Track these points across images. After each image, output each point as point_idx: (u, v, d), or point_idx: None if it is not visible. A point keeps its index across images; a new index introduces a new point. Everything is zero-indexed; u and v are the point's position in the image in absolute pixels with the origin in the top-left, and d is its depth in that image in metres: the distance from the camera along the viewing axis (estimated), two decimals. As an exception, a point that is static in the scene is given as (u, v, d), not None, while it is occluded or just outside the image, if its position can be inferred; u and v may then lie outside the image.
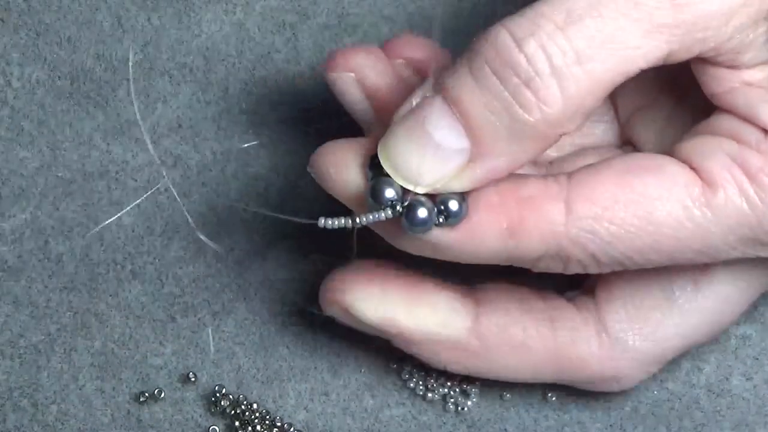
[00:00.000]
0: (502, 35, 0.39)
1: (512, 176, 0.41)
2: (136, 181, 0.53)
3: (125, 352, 0.51)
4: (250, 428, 0.50)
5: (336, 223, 0.41)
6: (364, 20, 0.53)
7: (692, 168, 0.41)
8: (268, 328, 0.52)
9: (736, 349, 0.51)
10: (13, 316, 0.52)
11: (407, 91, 0.43)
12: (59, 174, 0.53)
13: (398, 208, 0.40)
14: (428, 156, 0.40)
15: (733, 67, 0.41)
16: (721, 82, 0.42)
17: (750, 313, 0.51)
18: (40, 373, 0.51)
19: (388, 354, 0.51)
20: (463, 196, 0.41)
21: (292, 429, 0.50)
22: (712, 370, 0.50)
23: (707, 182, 0.41)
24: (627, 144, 0.48)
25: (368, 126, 0.47)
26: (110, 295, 0.52)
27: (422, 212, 0.40)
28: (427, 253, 0.42)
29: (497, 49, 0.39)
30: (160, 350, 0.51)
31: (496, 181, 0.41)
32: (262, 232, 0.52)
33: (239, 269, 0.52)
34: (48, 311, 0.52)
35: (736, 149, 0.41)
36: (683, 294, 0.46)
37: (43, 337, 0.51)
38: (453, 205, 0.40)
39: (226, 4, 0.54)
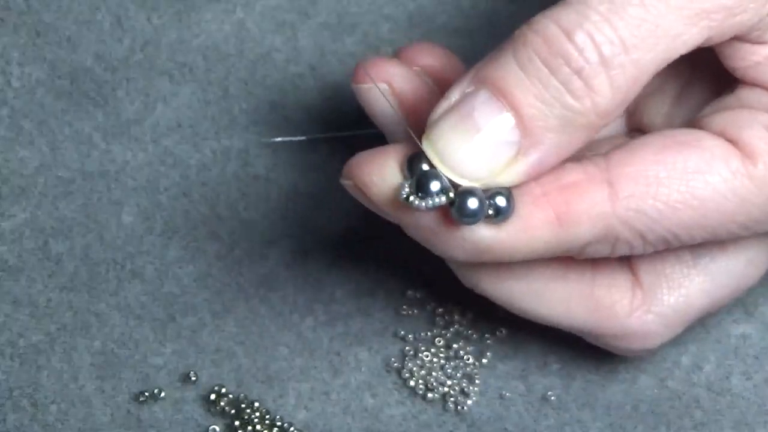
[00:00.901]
0: (550, 26, 0.39)
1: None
2: (135, 180, 0.53)
3: (125, 352, 0.51)
4: (249, 428, 0.50)
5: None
6: (364, 19, 0.53)
7: (728, 140, 0.41)
8: (268, 328, 0.52)
9: (736, 348, 0.51)
10: (12, 316, 0.52)
11: (434, 96, 0.43)
12: (59, 174, 0.53)
13: (450, 194, 0.39)
14: (478, 148, 0.39)
15: (759, 42, 0.41)
16: (745, 57, 0.42)
17: (750, 313, 0.51)
18: (40, 372, 0.51)
19: (388, 354, 0.51)
20: (509, 192, 0.40)
21: (292, 429, 0.50)
22: (713, 369, 0.50)
23: (746, 154, 0.41)
24: (635, 131, 0.48)
25: (395, 136, 0.47)
26: (110, 295, 0.52)
27: (473, 202, 0.39)
28: (474, 258, 0.42)
29: (546, 40, 0.39)
30: (160, 350, 0.51)
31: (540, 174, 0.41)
32: (262, 232, 0.52)
33: (239, 269, 0.52)
34: (48, 311, 0.52)
35: None
36: (711, 254, 0.46)
37: (43, 337, 0.51)
38: (501, 201, 0.40)
39: (226, 4, 0.54)
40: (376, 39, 0.53)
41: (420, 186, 0.39)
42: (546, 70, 0.39)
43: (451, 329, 0.51)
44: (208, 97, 0.53)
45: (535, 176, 0.40)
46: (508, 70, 0.39)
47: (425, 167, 0.40)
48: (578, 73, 0.39)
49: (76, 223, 0.52)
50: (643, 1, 0.39)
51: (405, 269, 0.52)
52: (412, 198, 0.39)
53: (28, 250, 0.52)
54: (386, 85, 0.46)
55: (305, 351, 0.51)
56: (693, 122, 0.43)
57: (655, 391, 0.50)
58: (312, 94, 0.53)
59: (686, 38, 0.39)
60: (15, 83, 0.53)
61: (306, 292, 0.52)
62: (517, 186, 0.40)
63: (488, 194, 0.40)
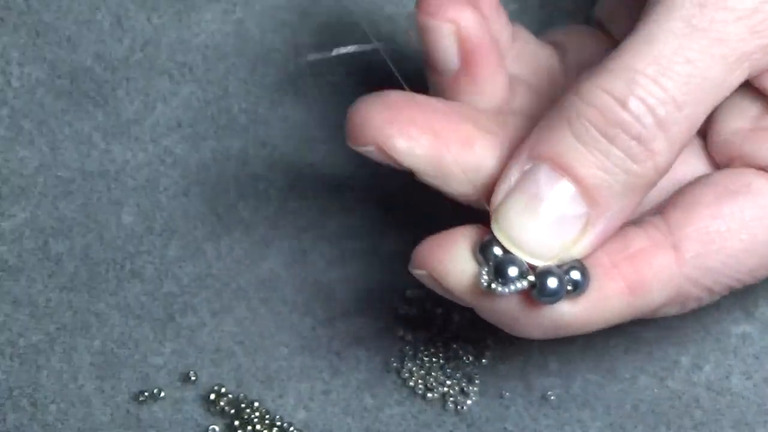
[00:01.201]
0: (603, 96, 0.39)
1: (615, 235, 0.42)
2: (135, 180, 0.53)
3: (125, 352, 0.51)
4: (249, 428, 0.50)
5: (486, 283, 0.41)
6: (364, 19, 0.53)
7: None
8: (268, 328, 0.52)
9: (736, 347, 0.51)
10: (12, 316, 0.52)
11: (494, 47, 0.43)
12: (59, 173, 0.53)
13: (531, 278, 0.40)
14: (548, 227, 0.40)
15: None
16: None
17: (750, 313, 0.51)
18: (39, 372, 0.51)
19: (388, 354, 0.51)
20: (582, 265, 0.41)
21: (291, 428, 0.50)
22: (712, 369, 0.50)
23: None
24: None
25: (438, 84, 0.46)
26: (110, 295, 0.52)
27: (552, 282, 0.40)
28: (551, 334, 0.42)
29: (600, 111, 0.39)
30: (160, 350, 0.51)
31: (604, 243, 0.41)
32: (262, 232, 0.52)
33: (239, 269, 0.52)
34: (48, 311, 0.52)
35: None
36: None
37: (42, 337, 0.51)
38: (576, 274, 0.40)
39: (226, 4, 0.54)
40: (376, 39, 0.53)
41: (499, 272, 0.40)
42: (605, 141, 0.39)
43: (451, 329, 0.51)
44: (208, 97, 0.53)
45: (604, 243, 0.41)
46: (565, 143, 0.40)
47: (499, 251, 0.40)
48: (637, 139, 0.39)
49: (76, 223, 0.52)
50: (687, 56, 0.39)
51: (405, 269, 0.52)
52: (494, 285, 0.40)
53: (28, 250, 0.52)
54: (452, 25, 0.45)
55: (305, 351, 0.51)
56: (732, 149, 0.44)
57: (655, 390, 0.50)
58: (312, 94, 0.53)
59: (731, 82, 0.40)
60: (15, 83, 0.53)
61: (305, 292, 0.52)
62: (587, 258, 0.41)
63: (563, 269, 0.40)
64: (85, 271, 0.52)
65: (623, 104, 0.39)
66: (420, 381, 0.51)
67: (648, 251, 0.42)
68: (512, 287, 0.40)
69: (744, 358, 0.51)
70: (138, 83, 0.53)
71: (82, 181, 0.53)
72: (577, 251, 0.41)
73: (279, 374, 0.51)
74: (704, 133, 0.45)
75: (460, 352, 0.51)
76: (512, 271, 0.40)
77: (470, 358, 0.51)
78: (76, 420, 0.51)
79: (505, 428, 0.50)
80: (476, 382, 0.50)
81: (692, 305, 0.43)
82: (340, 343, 0.51)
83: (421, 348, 0.51)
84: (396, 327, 0.51)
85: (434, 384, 0.51)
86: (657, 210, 0.44)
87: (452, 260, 0.41)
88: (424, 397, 0.51)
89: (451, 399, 0.50)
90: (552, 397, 0.50)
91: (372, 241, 0.52)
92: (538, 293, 0.40)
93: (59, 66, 0.53)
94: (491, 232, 0.41)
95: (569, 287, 0.40)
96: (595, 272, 0.41)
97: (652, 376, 0.50)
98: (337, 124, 0.53)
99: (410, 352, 0.51)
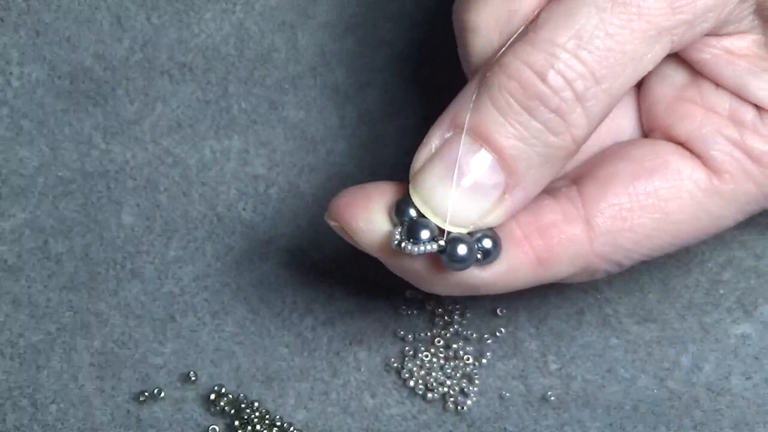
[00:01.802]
0: (521, 68, 0.40)
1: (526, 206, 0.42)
2: (135, 180, 0.53)
3: (125, 352, 0.51)
4: (249, 428, 0.50)
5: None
6: (364, 19, 0.53)
7: (694, 153, 0.43)
8: (268, 328, 0.52)
9: (735, 348, 0.51)
10: (12, 316, 0.52)
11: None
12: (59, 173, 0.53)
13: (441, 242, 0.41)
14: (466, 195, 0.40)
15: (713, 34, 0.42)
16: (701, 49, 0.42)
17: (750, 313, 0.51)
18: (39, 372, 0.51)
19: (387, 354, 0.51)
20: (494, 234, 0.41)
21: (291, 428, 0.50)
22: (712, 369, 0.51)
23: (713, 170, 0.42)
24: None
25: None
26: (110, 295, 0.52)
27: (462, 249, 0.41)
28: (458, 293, 0.43)
29: (520, 83, 0.40)
30: (160, 350, 0.51)
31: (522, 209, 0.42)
32: (262, 232, 0.52)
33: (239, 269, 0.52)
34: (48, 311, 0.52)
35: (736, 134, 0.42)
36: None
37: (42, 337, 0.51)
38: (487, 243, 0.41)
39: (226, 4, 0.54)
40: (377, 39, 0.53)
41: (411, 233, 0.41)
42: (524, 113, 0.40)
43: (451, 329, 0.51)
44: (208, 97, 0.53)
45: (519, 210, 0.42)
46: (486, 115, 0.40)
47: (413, 213, 0.41)
48: (556, 111, 0.40)
49: (76, 223, 0.52)
50: (606, 30, 0.39)
51: (405, 269, 0.52)
52: (404, 245, 0.40)
53: (28, 250, 0.52)
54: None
55: (305, 351, 0.51)
56: (657, 121, 0.44)
57: (655, 391, 0.50)
58: (312, 94, 0.53)
59: (651, 56, 0.40)
60: (15, 83, 0.53)
61: (305, 292, 0.52)
62: (499, 227, 0.42)
63: (475, 237, 0.41)
64: (85, 271, 0.52)
65: (542, 78, 0.39)
66: (420, 381, 0.51)
67: (559, 225, 0.42)
68: (422, 248, 0.40)
69: (744, 358, 0.51)
70: (138, 83, 0.53)
71: (82, 181, 0.53)
72: (491, 220, 0.41)
73: (279, 374, 0.51)
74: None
75: (460, 352, 0.51)
76: (424, 234, 0.40)
77: (470, 359, 0.51)
78: (76, 420, 0.51)
79: (505, 428, 0.50)
80: (476, 382, 0.50)
81: (601, 275, 0.44)
82: (340, 343, 0.51)
83: (421, 348, 0.51)
84: (396, 327, 0.51)
85: (434, 384, 0.51)
86: (574, 176, 0.44)
87: (366, 217, 0.42)
88: (424, 397, 0.51)
89: (451, 399, 0.50)
90: (552, 397, 0.50)
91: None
92: (447, 259, 0.41)
93: (59, 66, 0.53)
94: (407, 194, 0.41)
95: (479, 255, 0.41)
96: (506, 242, 0.42)
97: (652, 377, 0.50)
98: (337, 124, 0.53)
99: (410, 352, 0.51)
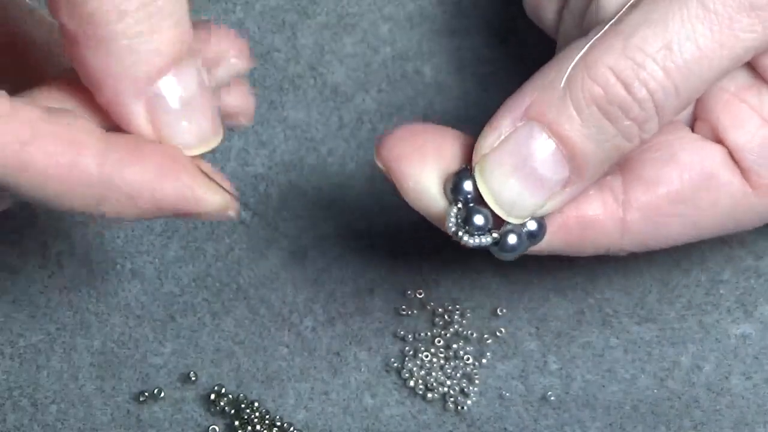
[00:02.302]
0: (607, 74, 0.40)
1: None
2: (135, 180, 0.53)
3: (125, 352, 0.51)
4: (249, 428, 0.50)
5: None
6: (364, 19, 0.53)
7: (737, 162, 0.43)
8: (268, 328, 0.52)
9: (735, 348, 0.51)
10: (12, 316, 0.52)
11: None
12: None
13: (495, 235, 0.41)
14: (531, 188, 0.41)
15: None
16: (766, 54, 0.42)
17: (750, 313, 0.51)
18: (39, 372, 0.51)
19: (387, 354, 0.51)
20: (541, 217, 0.42)
21: (291, 429, 0.50)
22: (712, 369, 0.50)
23: (752, 183, 0.43)
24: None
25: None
26: (110, 295, 0.52)
27: (513, 238, 0.41)
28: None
29: (604, 89, 0.40)
30: (160, 350, 0.51)
31: None
32: (262, 232, 0.52)
33: (239, 269, 0.52)
34: (48, 311, 0.52)
35: None
36: None
37: (42, 337, 0.51)
38: (532, 225, 0.42)
39: (226, 3, 0.54)
40: (376, 38, 0.53)
41: (467, 221, 0.41)
42: (605, 119, 0.40)
43: (451, 329, 0.51)
44: (208, 97, 0.53)
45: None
46: (564, 112, 0.40)
47: (469, 188, 0.41)
48: (634, 120, 0.40)
49: (76, 223, 0.52)
50: (698, 43, 0.39)
51: (405, 269, 0.52)
52: (461, 233, 0.41)
53: (28, 250, 0.52)
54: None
55: (305, 351, 0.51)
56: (710, 116, 0.43)
57: (655, 391, 0.50)
58: (312, 94, 0.53)
59: (728, 69, 0.40)
60: (15, 83, 0.53)
61: (305, 292, 0.52)
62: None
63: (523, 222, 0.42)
64: (85, 271, 0.52)
65: (628, 88, 0.39)
66: (420, 381, 0.51)
67: (598, 222, 0.43)
68: (476, 241, 0.41)
69: (744, 358, 0.51)
70: (138, 83, 0.53)
71: (82, 181, 0.53)
72: (546, 210, 0.41)
73: (279, 374, 0.51)
74: None
75: (460, 352, 0.51)
76: (478, 220, 0.41)
77: (470, 359, 0.51)
78: (76, 420, 0.51)
79: (505, 428, 0.50)
80: (476, 382, 0.50)
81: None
82: (340, 343, 0.51)
83: (421, 348, 0.51)
84: (396, 327, 0.51)
85: (434, 384, 0.51)
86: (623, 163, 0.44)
87: (418, 180, 0.42)
88: (424, 397, 0.51)
89: (451, 399, 0.50)
90: (552, 397, 0.50)
91: (372, 241, 0.52)
92: (498, 249, 0.41)
93: (59, 66, 0.53)
94: (465, 167, 0.41)
95: (526, 239, 0.42)
96: (548, 227, 0.42)
97: (652, 377, 0.50)
98: (337, 124, 0.53)
99: (410, 352, 0.51)
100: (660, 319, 0.51)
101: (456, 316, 0.51)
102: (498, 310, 0.51)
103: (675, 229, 0.43)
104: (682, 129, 0.44)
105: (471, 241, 0.41)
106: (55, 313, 0.52)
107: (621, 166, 0.43)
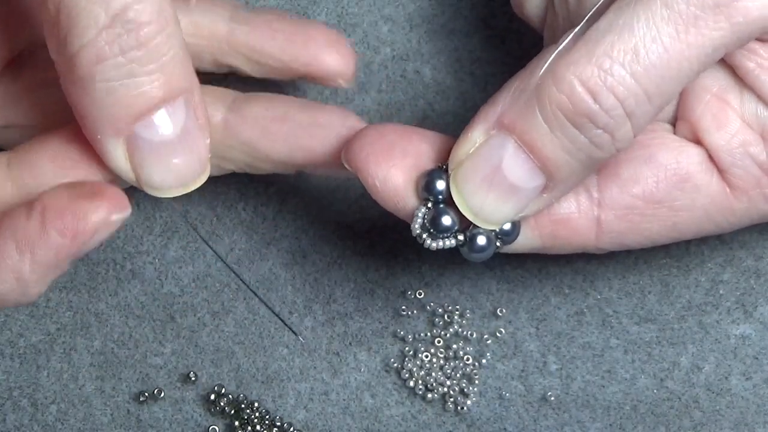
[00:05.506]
0: (573, 83, 0.39)
1: None
2: (135, 180, 0.53)
3: (125, 352, 0.51)
4: (249, 428, 0.50)
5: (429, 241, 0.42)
6: (364, 20, 0.53)
7: (716, 164, 0.42)
8: (267, 329, 0.52)
9: (735, 348, 0.51)
10: (12, 316, 0.52)
11: None
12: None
13: (461, 237, 0.42)
14: (505, 197, 0.41)
15: (760, 40, 0.41)
16: (750, 55, 0.42)
17: (749, 313, 0.51)
18: (39, 372, 0.51)
19: (387, 354, 0.51)
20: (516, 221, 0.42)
21: (291, 429, 0.50)
22: (712, 370, 0.51)
23: (731, 185, 0.42)
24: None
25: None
26: (110, 295, 0.52)
27: (482, 240, 0.42)
28: None
29: (571, 99, 0.39)
30: (160, 350, 0.51)
31: None
32: (262, 232, 0.52)
33: (239, 269, 0.52)
34: (48, 311, 0.52)
35: (763, 154, 0.42)
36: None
37: (42, 337, 0.51)
38: (507, 225, 0.42)
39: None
40: (376, 39, 0.53)
41: (434, 223, 0.41)
42: (572, 128, 0.39)
43: (451, 330, 0.51)
44: (208, 97, 0.53)
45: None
46: (533, 123, 0.40)
47: (442, 185, 0.41)
48: (604, 128, 0.39)
49: (76, 223, 0.52)
50: (665, 45, 0.39)
51: (405, 269, 0.52)
52: (425, 236, 0.42)
53: (28, 250, 0.52)
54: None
55: (304, 351, 0.51)
56: (691, 116, 0.43)
57: (654, 391, 0.50)
58: (312, 94, 0.53)
59: (699, 69, 0.40)
60: (15, 83, 0.53)
61: (305, 292, 0.52)
62: None
63: None
64: (85, 271, 0.52)
65: (594, 96, 0.39)
66: (420, 381, 0.51)
67: (571, 221, 0.43)
68: (440, 243, 0.42)
69: (743, 358, 0.51)
70: (138, 83, 0.53)
71: (82, 182, 0.53)
72: (523, 215, 0.42)
73: (279, 374, 0.51)
74: None
75: (460, 352, 0.51)
76: (446, 221, 0.41)
77: (470, 359, 0.51)
78: (76, 420, 0.51)
79: (504, 429, 0.50)
80: (476, 382, 0.50)
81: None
82: (340, 343, 0.51)
83: (421, 348, 0.51)
84: (396, 327, 0.51)
85: (434, 384, 0.51)
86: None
87: (386, 178, 0.42)
88: (424, 397, 0.51)
89: (451, 399, 0.50)
90: (552, 398, 0.50)
91: (372, 241, 0.52)
92: (467, 250, 0.42)
93: (59, 66, 0.53)
94: (438, 166, 0.42)
95: (499, 243, 0.42)
96: (522, 226, 0.43)
97: (652, 377, 0.50)
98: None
99: (410, 353, 0.51)
100: (660, 320, 0.51)
101: (456, 317, 0.51)
102: (498, 311, 0.51)
103: (651, 229, 0.43)
104: (662, 129, 0.44)
105: (434, 243, 0.42)
106: (55, 313, 0.52)
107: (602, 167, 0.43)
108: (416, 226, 0.42)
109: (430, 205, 0.41)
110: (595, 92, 0.39)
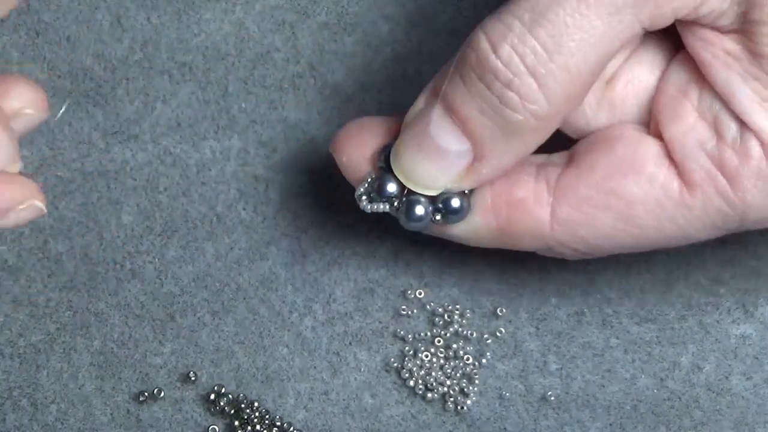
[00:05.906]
0: (481, 41, 0.40)
1: (509, 174, 0.43)
2: (135, 180, 0.53)
3: (125, 352, 0.51)
4: (249, 428, 0.50)
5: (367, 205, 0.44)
6: (364, 19, 0.53)
7: (673, 160, 0.42)
8: (267, 328, 0.52)
9: (735, 348, 0.51)
10: (12, 316, 0.52)
11: None
12: (58, 173, 0.53)
13: (396, 204, 0.43)
14: (434, 161, 0.42)
15: (715, 28, 0.41)
16: (706, 46, 0.41)
17: (750, 313, 0.51)
18: (39, 372, 0.51)
19: (387, 354, 0.51)
20: (465, 194, 0.43)
21: (291, 429, 0.50)
22: (712, 369, 0.50)
23: (686, 182, 0.42)
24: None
25: None
26: (110, 295, 0.52)
27: (419, 209, 0.43)
28: (429, 233, 0.45)
29: (478, 55, 0.40)
30: (160, 350, 0.51)
31: (497, 178, 0.43)
32: (262, 232, 0.52)
33: (239, 269, 0.52)
34: (48, 311, 0.52)
35: (715, 149, 0.41)
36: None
37: (42, 337, 0.51)
38: (454, 202, 0.43)
39: (226, 3, 0.54)
40: (376, 39, 0.53)
41: (378, 188, 0.44)
42: (482, 85, 0.40)
43: (451, 329, 0.51)
44: (208, 97, 0.53)
45: (491, 180, 0.43)
46: (454, 85, 0.41)
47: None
48: (508, 85, 0.40)
49: (76, 223, 0.52)
50: (562, 4, 0.39)
51: (405, 269, 0.52)
52: (363, 198, 0.44)
53: (28, 250, 0.52)
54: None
55: (304, 351, 0.51)
56: (656, 111, 0.43)
57: (655, 391, 0.50)
58: (312, 94, 0.53)
59: (616, 33, 0.40)
60: (14, 83, 0.53)
61: (305, 292, 0.52)
62: (476, 191, 0.43)
63: (443, 196, 0.43)
64: (85, 271, 0.52)
65: (495, 50, 0.40)
66: (420, 381, 0.51)
67: (525, 204, 0.43)
68: (374, 206, 0.44)
69: (744, 358, 0.51)
70: (138, 83, 0.53)
71: (82, 181, 0.53)
72: (462, 185, 0.42)
73: (279, 374, 0.51)
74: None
75: (460, 352, 0.51)
76: (390, 187, 0.43)
77: (470, 359, 0.51)
78: (76, 420, 0.51)
79: (504, 428, 0.50)
80: (476, 382, 0.50)
81: (570, 257, 0.44)
82: (340, 343, 0.51)
83: (421, 348, 0.51)
84: (396, 327, 0.51)
85: (434, 384, 0.51)
86: (572, 152, 0.44)
87: (350, 154, 0.45)
88: (424, 397, 0.51)
89: (451, 399, 0.50)
90: (552, 397, 0.50)
91: (372, 241, 0.52)
92: (404, 218, 0.43)
93: (59, 66, 0.53)
94: (393, 140, 0.44)
95: (439, 216, 0.43)
96: (475, 206, 0.43)
97: (652, 377, 0.50)
98: (338, 124, 0.53)
99: (410, 352, 0.51)
100: (660, 319, 0.51)
101: (456, 316, 0.51)
102: (498, 310, 0.51)
103: (605, 222, 0.42)
104: (628, 124, 0.44)
105: (369, 206, 0.44)
106: (55, 313, 0.52)
107: (571, 155, 0.44)
108: (360, 189, 0.44)
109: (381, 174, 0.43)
110: (495, 45, 0.39)
